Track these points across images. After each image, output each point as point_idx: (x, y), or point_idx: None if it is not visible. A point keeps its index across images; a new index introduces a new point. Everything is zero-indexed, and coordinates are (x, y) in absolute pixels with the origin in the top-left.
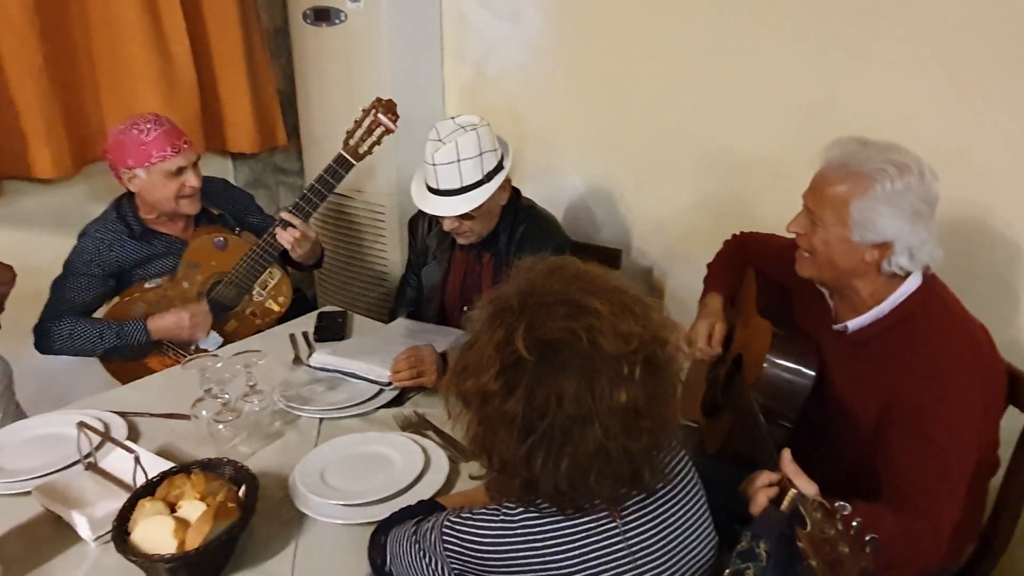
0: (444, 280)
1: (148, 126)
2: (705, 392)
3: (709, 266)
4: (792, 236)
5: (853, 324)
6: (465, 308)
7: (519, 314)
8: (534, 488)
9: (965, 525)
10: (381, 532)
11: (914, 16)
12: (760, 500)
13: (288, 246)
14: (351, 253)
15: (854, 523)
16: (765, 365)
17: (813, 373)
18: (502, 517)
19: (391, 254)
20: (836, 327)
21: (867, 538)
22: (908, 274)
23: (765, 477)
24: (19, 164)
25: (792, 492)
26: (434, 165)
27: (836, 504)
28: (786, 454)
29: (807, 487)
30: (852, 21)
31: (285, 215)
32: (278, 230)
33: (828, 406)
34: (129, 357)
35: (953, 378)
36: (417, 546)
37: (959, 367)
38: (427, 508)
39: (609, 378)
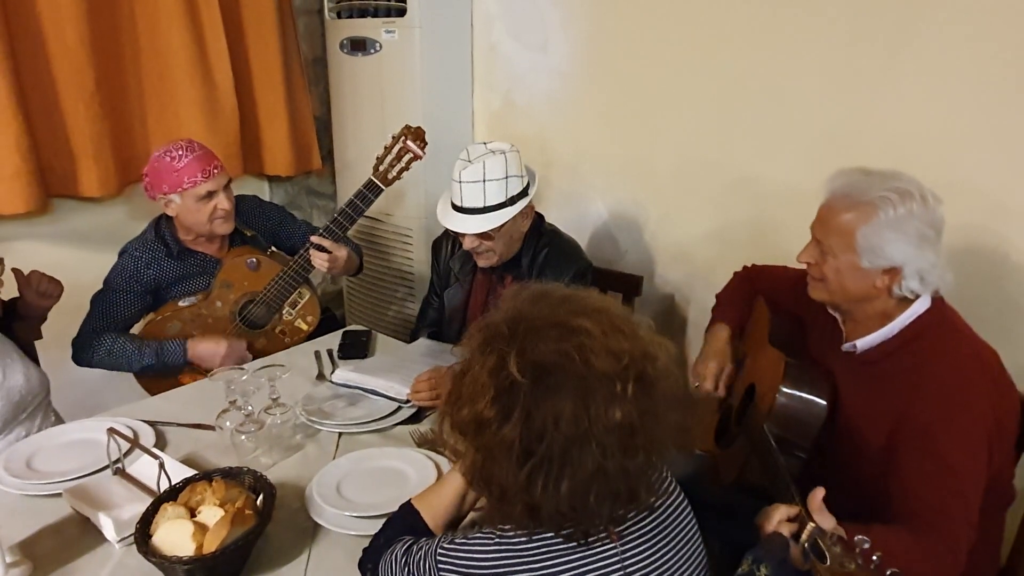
0: (466, 302)
1: (179, 152)
2: (719, 422)
3: (718, 297)
4: (802, 267)
5: (862, 343)
6: None
7: (510, 339)
8: (536, 513)
9: (982, 556)
10: (368, 562)
11: (941, 48)
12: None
13: (323, 268)
14: (379, 274)
15: (875, 557)
16: (778, 395)
17: (825, 402)
18: (497, 540)
19: (418, 276)
20: (845, 347)
21: (888, 572)
22: (919, 297)
23: (783, 511)
24: (68, 183)
25: (810, 526)
26: (460, 182)
27: (856, 538)
28: (819, 493)
29: (825, 521)
30: (879, 53)
31: (316, 239)
32: (312, 253)
33: (839, 428)
34: (163, 374)
35: (962, 397)
36: None
37: (968, 386)
38: (405, 514)
39: (604, 397)
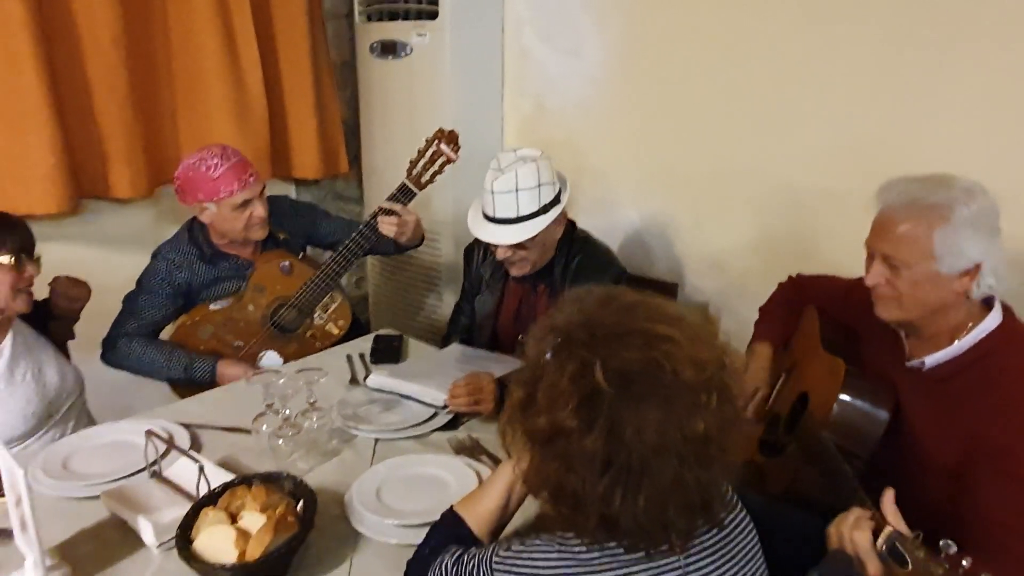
0: (497, 309)
1: (215, 161)
2: (764, 431)
3: (761, 310)
4: (847, 276)
5: (930, 360)
6: (520, 337)
7: (591, 345)
8: (613, 525)
9: None
10: (414, 573)
11: (982, 54)
12: (858, 539)
13: (390, 233)
14: (406, 279)
15: (964, 562)
16: (836, 405)
17: (888, 412)
18: (559, 548)
19: (445, 281)
20: (911, 364)
21: None
22: (990, 304)
23: (858, 513)
24: (99, 184)
25: (888, 529)
26: (492, 193)
27: (941, 542)
28: (889, 494)
29: (901, 525)
30: (917, 60)
31: (386, 204)
32: (381, 219)
33: (903, 445)
34: (192, 385)
35: None
36: None
37: None
38: (449, 521)
39: (687, 407)
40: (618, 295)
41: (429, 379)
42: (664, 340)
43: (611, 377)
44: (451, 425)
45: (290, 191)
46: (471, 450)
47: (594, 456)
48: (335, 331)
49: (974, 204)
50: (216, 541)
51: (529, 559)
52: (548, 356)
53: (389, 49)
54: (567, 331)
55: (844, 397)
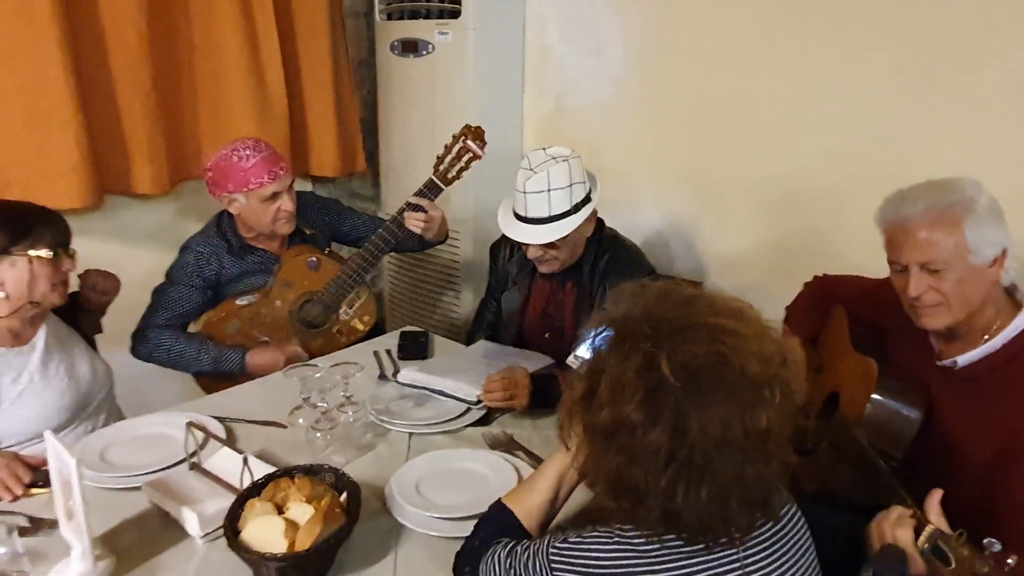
0: (524, 307)
1: (247, 152)
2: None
3: (788, 309)
4: (872, 276)
5: (963, 359)
6: (547, 335)
7: (654, 339)
8: (675, 520)
9: None
10: (465, 565)
11: (990, 58)
12: (900, 537)
13: (417, 229)
14: (422, 277)
15: (1010, 560)
16: (870, 405)
17: (921, 412)
18: (617, 539)
19: (464, 279)
20: (943, 363)
21: None
22: (1017, 302)
23: (900, 510)
24: (121, 180)
25: (930, 528)
26: (524, 193)
27: (985, 540)
28: (935, 495)
29: (944, 525)
30: (946, 64)
31: (414, 199)
32: (407, 215)
33: (936, 444)
34: (220, 379)
35: None
36: None
37: None
38: (498, 513)
39: (751, 402)
40: (675, 289)
41: (460, 375)
42: (729, 334)
43: (677, 371)
44: (484, 420)
45: (307, 189)
46: (507, 445)
47: (658, 450)
48: (360, 327)
49: (985, 193)
50: (265, 532)
51: (587, 550)
52: (606, 349)
53: (410, 47)
54: (626, 324)
55: (877, 397)
